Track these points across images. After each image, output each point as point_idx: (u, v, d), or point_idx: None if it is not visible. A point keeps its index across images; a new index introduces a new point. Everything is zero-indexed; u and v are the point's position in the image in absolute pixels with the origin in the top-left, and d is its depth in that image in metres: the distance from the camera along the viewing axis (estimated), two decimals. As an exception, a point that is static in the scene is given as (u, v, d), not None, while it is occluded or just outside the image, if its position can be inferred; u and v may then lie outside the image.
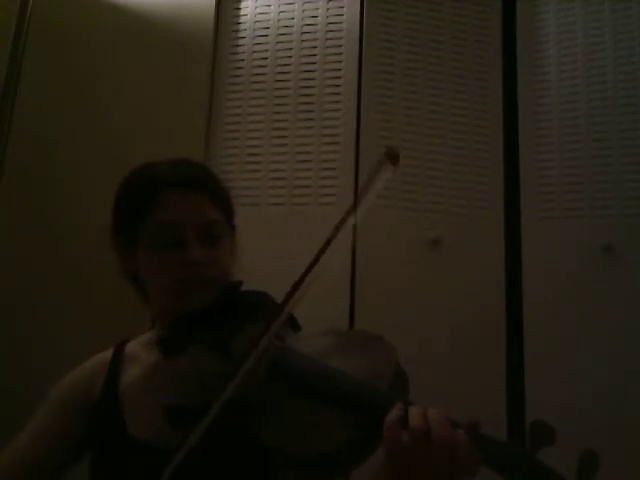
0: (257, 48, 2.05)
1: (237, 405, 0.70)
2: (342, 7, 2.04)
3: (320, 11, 2.05)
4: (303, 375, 0.75)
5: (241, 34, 2.07)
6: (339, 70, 2.00)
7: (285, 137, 1.97)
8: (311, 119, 1.98)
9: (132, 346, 0.99)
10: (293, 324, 0.90)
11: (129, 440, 0.86)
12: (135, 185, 0.95)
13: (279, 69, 2.02)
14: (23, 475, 0.90)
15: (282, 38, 2.04)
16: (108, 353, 0.99)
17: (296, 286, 0.75)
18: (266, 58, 2.04)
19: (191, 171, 0.96)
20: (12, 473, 0.90)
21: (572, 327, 1.83)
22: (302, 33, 2.04)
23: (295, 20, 2.05)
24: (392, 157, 0.81)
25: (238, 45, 2.06)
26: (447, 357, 1.80)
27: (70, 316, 1.79)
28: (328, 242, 0.76)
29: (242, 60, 2.05)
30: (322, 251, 0.75)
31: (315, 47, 2.03)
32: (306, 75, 2.01)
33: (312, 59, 2.02)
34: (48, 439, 0.92)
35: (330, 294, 1.77)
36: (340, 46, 2.02)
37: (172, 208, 0.90)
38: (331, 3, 2.05)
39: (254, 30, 2.06)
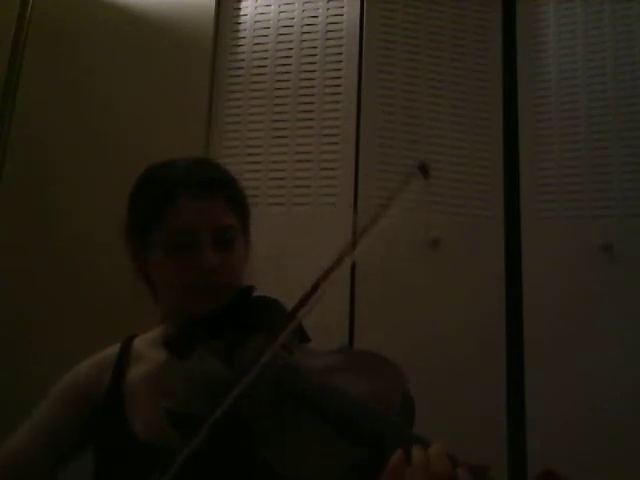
0: (257, 48, 2.05)
1: (239, 418, 0.70)
2: (342, 7, 2.04)
3: (320, 11, 2.05)
4: (309, 394, 0.74)
5: (241, 34, 2.07)
6: (339, 70, 2.00)
7: (285, 137, 1.97)
8: (311, 119, 1.98)
9: (139, 343, 0.99)
10: (302, 336, 0.89)
11: (129, 438, 0.86)
12: (151, 185, 0.94)
13: (279, 69, 2.02)
14: (18, 471, 0.90)
15: (282, 38, 2.04)
16: (115, 348, 0.98)
17: (307, 296, 0.74)
18: (266, 58, 2.04)
19: (209, 174, 0.95)
20: (7, 470, 0.90)
21: (572, 327, 1.83)
22: (302, 33, 2.04)
23: (295, 20, 2.05)
24: (423, 170, 0.82)
25: (238, 45, 2.06)
26: (447, 357, 1.80)
27: (70, 316, 1.79)
28: (351, 247, 0.75)
29: (242, 60, 2.05)
30: (340, 259, 0.75)
31: (315, 47, 2.03)
32: (306, 75, 2.01)
33: (312, 59, 2.02)
34: (46, 434, 0.92)
35: (330, 294, 1.77)
36: (340, 46, 2.02)
37: (188, 212, 0.89)
38: (331, 3, 2.05)
39: (254, 30, 2.06)
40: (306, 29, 2.04)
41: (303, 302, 0.75)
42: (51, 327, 1.78)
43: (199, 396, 0.75)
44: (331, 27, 2.03)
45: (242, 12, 2.08)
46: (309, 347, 0.89)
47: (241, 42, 2.06)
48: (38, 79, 1.95)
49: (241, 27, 2.07)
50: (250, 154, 1.97)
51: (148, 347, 0.97)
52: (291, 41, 2.04)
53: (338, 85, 1.99)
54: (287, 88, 2.00)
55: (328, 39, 2.03)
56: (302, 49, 2.03)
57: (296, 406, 0.73)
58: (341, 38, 2.02)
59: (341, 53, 2.01)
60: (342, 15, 2.03)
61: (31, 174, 1.90)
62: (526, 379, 1.81)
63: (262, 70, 2.03)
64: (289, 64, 2.02)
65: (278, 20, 2.06)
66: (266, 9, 2.07)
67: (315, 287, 0.75)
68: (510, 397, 1.81)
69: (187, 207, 0.89)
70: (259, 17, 2.07)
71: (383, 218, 0.77)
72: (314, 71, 2.01)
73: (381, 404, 0.72)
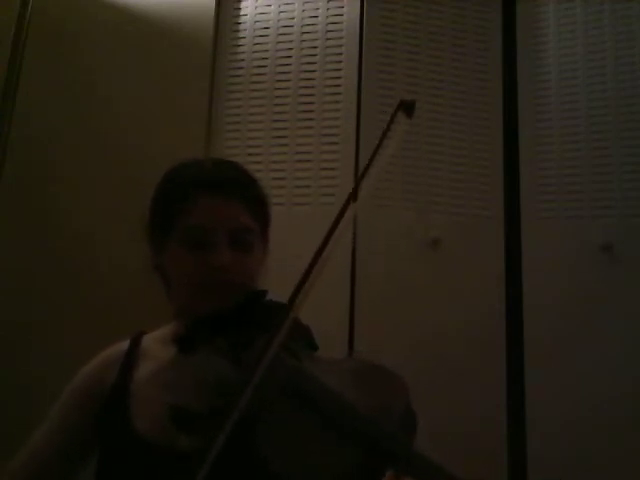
0: (257, 48, 2.05)
1: (242, 416, 0.70)
2: (342, 7, 2.04)
3: (320, 11, 2.05)
4: (312, 395, 0.74)
5: (241, 34, 2.07)
6: (339, 70, 2.00)
7: (285, 137, 1.97)
8: (311, 119, 1.98)
9: (148, 340, 0.99)
10: (310, 343, 0.90)
11: (132, 435, 0.86)
12: (171, 184, 0.96)
13: (279, 69, 2.02)
14: (39, 473, 0.91)
15: (282, 38, 2.04)
16: (124, 344, 0.98)
17: (308, 271, 0.74)
18: (266, 58, 2.04)
19: (228, 174, 0.96)
20: (28, 472, 0.91)
21: (572, 327, 1.83)
22: (302, 33, 2.04)
23: (295, 20, 2.05)
24: (407, 108, 0.82)
25: (238, 45, 2.06)
26: (447, 357, 1.80)
27: (70, 316, 1.79)
28: (347, 202, 0.75)
29: (242, 60, 2.05)
30: (338, 220, 0.75)
31: (315, 47, 2.03)
32: (306, 75, 2.01)
33: (312, 59, 2.02)
34: (58, 436, 0.92)
35: (330, 294, 1.77)
36: (340, 46, 2.02)
37: (204, 210, 0.90)
38: (331, 3, 2.05)
39: (254, 30, 2.06)
40: (306, 29, 2.04)
41: (300, 287, 0.74)
42: (51, 327, 1.78)
43: (204, 395, 0.75)
44: (331, 27, 2.03)
45: (242, 12, 2.08)
46: (317, 355, 0.89)
47: (241, 42, 2.06)
48: (38, 79, 1.95)
49: (241, 27, 2.07)
50: (250, 154, 1.97)
51: (157, 344, 0.97)
52: (291, 41, 2.04)
53: (338, 85, 1.99)
54: (287, 88, 2.00)
55: (328, 39, 2.03)
56: (302, 49, 2.03)
57: (299, 407, 0.73)
58: (341, 38, 2.02)
59: (341, 53, 2.01)
60: (342, 15, 2.03)
61: (31, 174, 1.90)
62: (526, 379, 1.81)
63: (262, 70, 2.03)
64: (289, 64, 2.02)
65: (278, 20, 2.06)
66: (266, 9, 2.07)
67: (313, 263, 0.75)
68: (510, 397, 1.81)
69: (203, 205, 0.90)
70: (259, 17, 2.07)
71: (373, 166, 0.77)
72: (314, 71, 2.01)
73: (382, 411, 0.73)
